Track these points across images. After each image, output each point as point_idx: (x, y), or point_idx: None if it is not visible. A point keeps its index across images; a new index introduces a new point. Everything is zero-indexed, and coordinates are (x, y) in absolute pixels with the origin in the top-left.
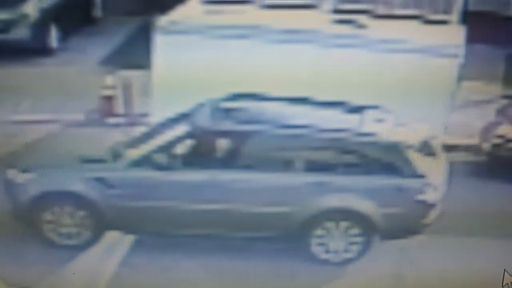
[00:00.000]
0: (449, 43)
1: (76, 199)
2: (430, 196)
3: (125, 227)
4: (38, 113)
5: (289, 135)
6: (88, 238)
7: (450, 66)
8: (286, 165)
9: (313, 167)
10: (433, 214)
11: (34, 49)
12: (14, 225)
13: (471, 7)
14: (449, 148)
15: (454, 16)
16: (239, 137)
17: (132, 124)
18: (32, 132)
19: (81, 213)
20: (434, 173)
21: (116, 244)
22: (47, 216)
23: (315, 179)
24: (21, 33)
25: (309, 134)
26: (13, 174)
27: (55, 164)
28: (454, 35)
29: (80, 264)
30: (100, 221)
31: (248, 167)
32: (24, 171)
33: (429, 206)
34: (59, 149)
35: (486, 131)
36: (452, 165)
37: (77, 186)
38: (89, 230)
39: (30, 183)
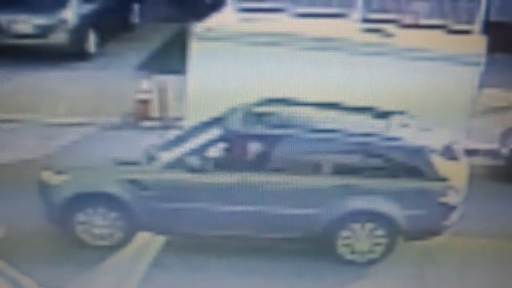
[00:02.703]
0: (471, 52)
1: (110, 201)
2: (451, 198)
3: (156, 228)
4: (75, 116)
5: (319, 139)
6: (120, 239)
7: (472, 74)
8: (315, 168)
9: (341, 170)
10: (454, 216)
11: (72, 54)
12: (46, 226)
13: (492, 18)
14: (470, 152)
15: (476, 27)
16: (270, 141)
17: (167, 127)
18: (68, 135)
19: (114, 214)
20: (456, 176)
21: (147, 245)
22: (80, 217)
23: (343, 182)
24: (60, 38)
25: (338, 138)
26: (47, 175)
27: (90, 166)
28: (476, 44)
29: (112, 264)
30: (132, 222)
31: (277, 170)
32: (59, 172)
33: (451, 208)
34: (94, 151)
35: (505, 136)
36: (472, 169)
37: (111, 187)
38: (121, 231)
39: (64, 185)
